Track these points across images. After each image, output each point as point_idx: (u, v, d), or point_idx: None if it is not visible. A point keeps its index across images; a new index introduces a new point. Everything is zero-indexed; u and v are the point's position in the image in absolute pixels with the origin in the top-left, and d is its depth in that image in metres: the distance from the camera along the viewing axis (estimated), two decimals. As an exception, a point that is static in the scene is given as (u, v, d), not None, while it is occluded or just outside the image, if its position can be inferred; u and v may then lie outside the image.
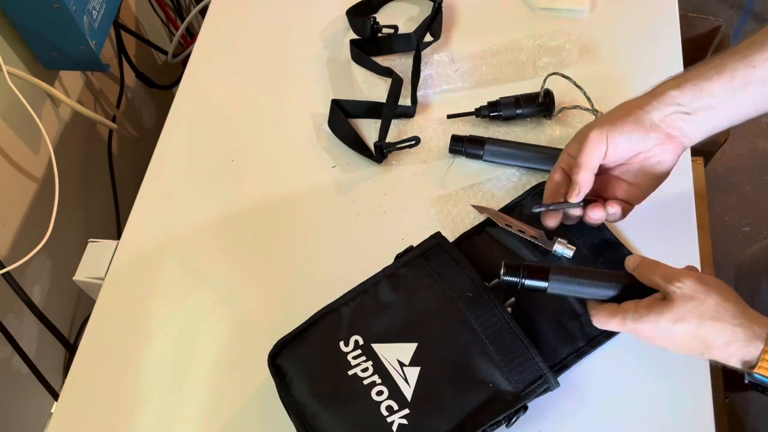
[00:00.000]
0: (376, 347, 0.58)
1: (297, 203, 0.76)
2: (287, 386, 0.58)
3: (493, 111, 0.78)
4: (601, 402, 0.61)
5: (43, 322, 0.91)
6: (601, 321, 0.56)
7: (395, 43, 0.87)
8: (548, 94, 0.77)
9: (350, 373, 0.57)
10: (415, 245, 0.65)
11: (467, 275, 0.61)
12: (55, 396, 0.95)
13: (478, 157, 0.75)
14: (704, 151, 1.45)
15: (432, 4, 0.91)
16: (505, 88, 0.82)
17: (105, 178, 1.18)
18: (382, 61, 0.86)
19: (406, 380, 0.57)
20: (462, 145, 0.75)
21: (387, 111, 0.79)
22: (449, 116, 0.79)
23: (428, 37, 0.87)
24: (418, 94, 0.83)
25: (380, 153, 0.76)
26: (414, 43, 0.86)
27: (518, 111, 0.77)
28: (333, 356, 0.59)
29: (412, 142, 0.77)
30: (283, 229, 0.74)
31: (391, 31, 0.87)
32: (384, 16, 0.92)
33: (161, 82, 1.32)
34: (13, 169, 0.93)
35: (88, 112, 1.04)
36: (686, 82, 0.58)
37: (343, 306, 0.61)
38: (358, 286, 0.63)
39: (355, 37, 0.89)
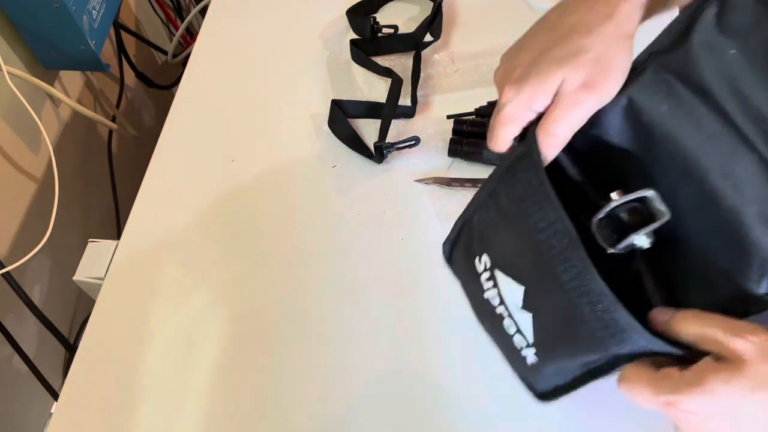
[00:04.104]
0: (498, 275, 0.50)
1: (297, 203, 0.76)
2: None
3: (492, 111, 0.78)
4: (603, 401, 0.61)
5: (43, 322, 0.91)
6: (628, 387, 0.42)
7: (395, 43, 0.87)
8: (548, 94, 0.77)
9: (484, 296, 0.52)
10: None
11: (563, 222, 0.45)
12: (55, 396, 0.95)
13: (479, 159, 0.75)
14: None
15: (432, 4, 0.91)
16: (505, 88, 0.82)
17: (105, 178, 1.18)
18: (382, 61, 0.86)
19: (525, 322, 0.49)
20: (461, 147, 0.75)
21: (387, 111, 0.79)
22: (449, 116, 0.79)
23: (428, 37, 0.87)
24: (418, 94, 0.83)
25: (380, 153, 0.76)
26: (414, 43, 0.86)
27: (518, 111, 0.77)
28: (473, 272, 0.53)
29: (412, 142, 0.77)
30: (283, 229, 0.74)
31: (391, 31, 0.87)
32: (384, 16, 0.92)
33: (161, 82, 1.32)
34: (13, 169, 0.93)
35: (88, 112, 1.04)
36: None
37: (475, 214, 0.52)
38: (482, 186, 0.51)
39: (355, 37, 0.89)
